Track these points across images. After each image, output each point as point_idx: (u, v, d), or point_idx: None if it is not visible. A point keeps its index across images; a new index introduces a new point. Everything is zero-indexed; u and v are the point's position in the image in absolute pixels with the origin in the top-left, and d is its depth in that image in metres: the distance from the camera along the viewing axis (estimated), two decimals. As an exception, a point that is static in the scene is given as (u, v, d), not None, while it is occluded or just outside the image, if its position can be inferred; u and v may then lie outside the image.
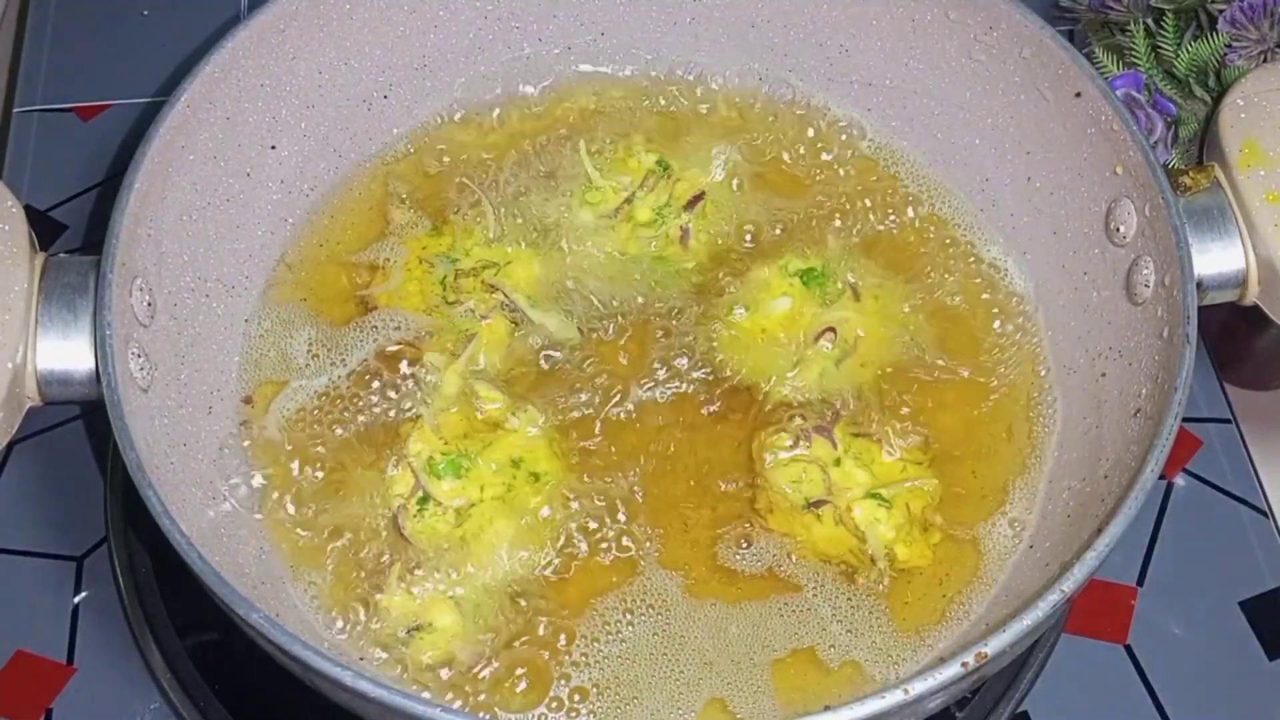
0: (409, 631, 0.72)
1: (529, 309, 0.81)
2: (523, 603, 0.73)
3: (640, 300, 0.83)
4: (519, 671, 0.72)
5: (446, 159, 0.88)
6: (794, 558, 0.75)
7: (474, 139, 0.89)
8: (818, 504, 0.75)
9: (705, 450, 0.78)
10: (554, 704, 0.71)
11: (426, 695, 0.70)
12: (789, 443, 0.77)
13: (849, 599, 0.74)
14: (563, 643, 0.72)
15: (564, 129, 0.89)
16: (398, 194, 0.87)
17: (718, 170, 0.87)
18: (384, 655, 0.72)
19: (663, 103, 0.91)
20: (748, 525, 0.76)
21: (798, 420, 0.77)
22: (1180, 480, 0.93)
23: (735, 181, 0.87)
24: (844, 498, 0.75)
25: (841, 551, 0.75)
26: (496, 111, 0.91)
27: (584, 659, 0.72)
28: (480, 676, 0.71)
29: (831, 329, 0.80)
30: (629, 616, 0.73)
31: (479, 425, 0.77)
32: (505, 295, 0.81)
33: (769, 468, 0.76)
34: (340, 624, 0.73)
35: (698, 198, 0.85)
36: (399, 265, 0.83)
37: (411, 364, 0.80)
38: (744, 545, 0.75)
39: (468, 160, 0.88)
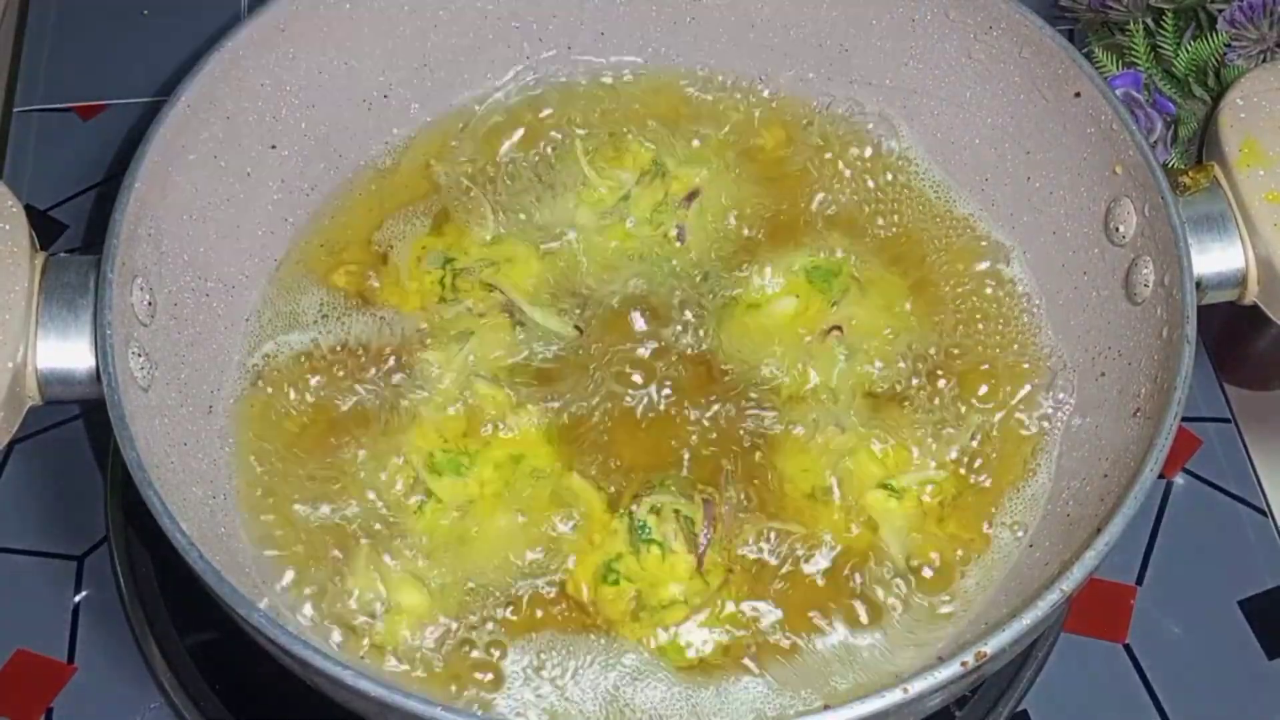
0: (420, 642, 0.72)
1: (528, 307, 0.81)
2: (529, 593, 0.73)
3: (640, 298, 0.83)
4: (538, 654, 0.72)
5: (446, 159, 0.88)
6: (803, 551, 0.75)
7: (473, 139, 0.89)
8: (827, 494, 0.75)
9: (710, 449, 0.78)
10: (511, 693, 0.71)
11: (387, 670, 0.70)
12: (798, 435, 0.77)
13: (851, 593, 0.74)
14: (573, 625, 0.73)
15: (562, 128, 0.89)
16: (397, 194, 0.87)
17: (715, 168, 0.87)
18: (404, 670, 0.72)
19: (661, 102, 0.91)
20: (753, 521, 0.76)
21: (807, 414, 0.77)
22: (1180, 480, 0.93)
23: (733, 180, 0.87)
24: (853, 488, 0.75)
25: (849, 542, 0.75)
26: (496, 111, 0.91)
27: (567, 652, 0.72)
28: (501, 668, 0.72)
29: (838, 327, 0.80)
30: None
31: (478, 423, 0.77)
32: (504, 294, 0.82)
33: (778, 460, 0.76)
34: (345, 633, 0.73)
35: (693, 195, 0.85)
36: (399, 265, 0.83)
37: (411, 362, 0.80)
38: (751, 542, 0.75)
39: (467, 160, 0.88)
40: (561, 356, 0.81)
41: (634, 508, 0.75)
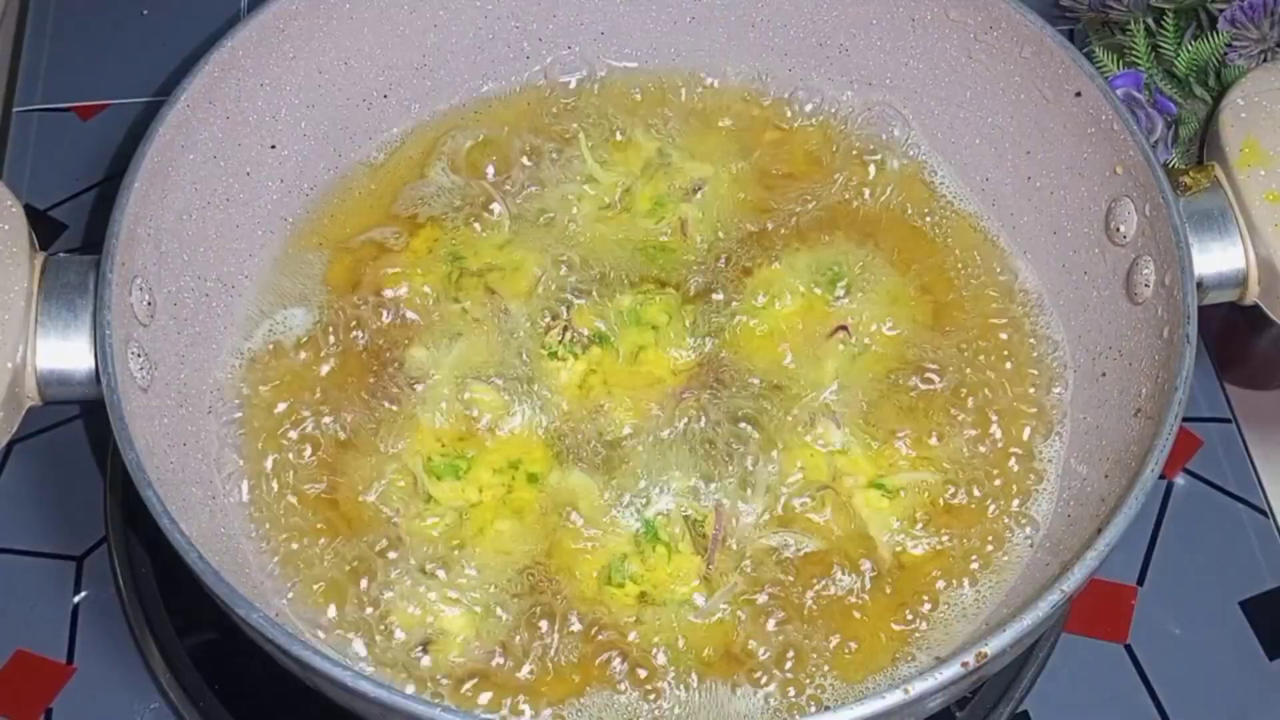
0: (423, 647, 0.72)
1: (528, 308, 0.81)
2: (530, 595, 0.73)
3: (643, 295, 0.82)
4: (541, 658, 0.72)
5: (445, 158, 0.88)
6: (807, 555, 0.75)
7: (473, 138, 0.89)
8: (820, 490, 0.75)
9: (714, 448, 0.77)
10: (589, 687, 0.71)
11: (446, 703, 0.70)
12: (797, 430, 0.77)
13: (849, 590, 0.74)
14: (576, 627, 0.72)
15: (564, 126, 0.89)
16: (396, 193, 0.87)
17: (717, 167, 0.87)
18: (404, 675, 0.72)
19: (663, 101, 0.91)
20: (759, 523, 0.75)
21: (806, 409, 0.77)
22: (1180, 480, 0.93)
23: (736, 179, 0.87)
24: (846, 485, 0.75)
25: (841, 540, 0.75)
26: (496, 110, 0.91)
27: (601, 639, 0.72)
28: (503, 672, 0.71)
29: (844, 326, 0.80)
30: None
31: (476, 426, 0.77)
32: (504, 296, 0.81)
33: (774, 454, 0.76)
34: (348, 634, 0.73)
35: (697, 187, 0.86)
36: (398, 264, 0.83)
37: (409, 363, 0.80)
38: (757, 544, 0.75)
39: (467, 159, 0.88)
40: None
41: (640, 509, 0.75)
